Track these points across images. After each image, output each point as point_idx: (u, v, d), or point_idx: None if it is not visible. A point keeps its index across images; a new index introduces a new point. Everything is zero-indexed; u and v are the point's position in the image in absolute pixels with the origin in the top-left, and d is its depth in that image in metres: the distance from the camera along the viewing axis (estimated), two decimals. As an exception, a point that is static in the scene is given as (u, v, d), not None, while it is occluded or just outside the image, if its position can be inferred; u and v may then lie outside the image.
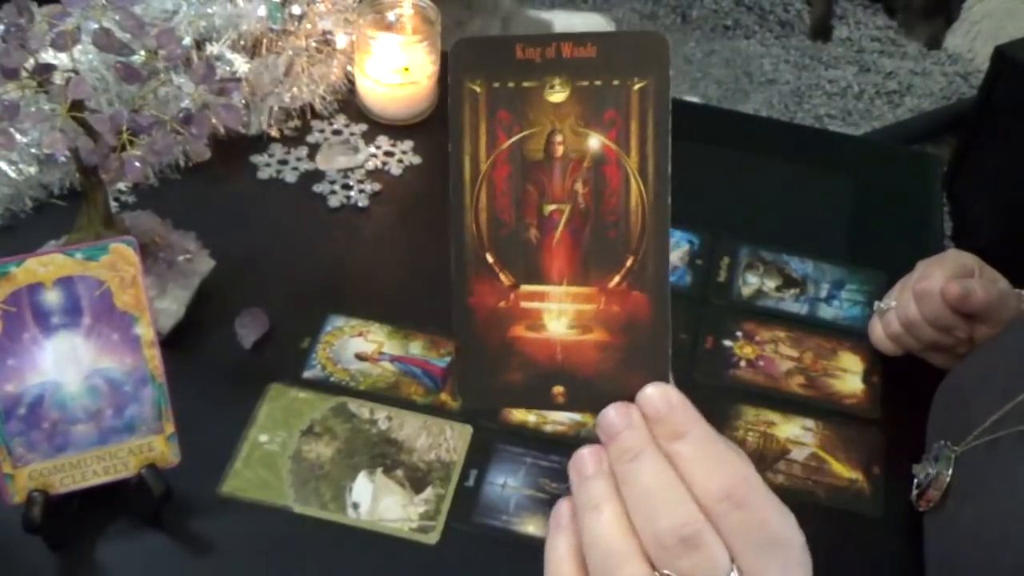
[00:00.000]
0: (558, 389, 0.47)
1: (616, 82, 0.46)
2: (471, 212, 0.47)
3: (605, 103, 0.46)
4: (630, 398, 0.46)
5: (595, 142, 0.46)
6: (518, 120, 0.47)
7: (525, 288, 0.47)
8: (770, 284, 1.02)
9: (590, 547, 0.45)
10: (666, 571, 0.43)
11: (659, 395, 0.45)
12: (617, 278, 0.46)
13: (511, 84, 0.47)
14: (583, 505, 0.45)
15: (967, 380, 0.82)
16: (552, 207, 0.47)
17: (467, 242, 0.48)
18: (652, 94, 0.46)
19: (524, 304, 0.47)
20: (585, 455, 0.46)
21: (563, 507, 0.47)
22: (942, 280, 0.85)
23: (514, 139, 0.47)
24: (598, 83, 0.46)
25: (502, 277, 0.48)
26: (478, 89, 0.47)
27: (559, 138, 0.47)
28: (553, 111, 0.46)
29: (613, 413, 0.45)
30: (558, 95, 0.46)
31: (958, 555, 0.73)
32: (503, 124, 0.47)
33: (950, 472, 0.76)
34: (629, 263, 0.46)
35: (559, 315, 0.47)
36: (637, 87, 0.46)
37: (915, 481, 0.81)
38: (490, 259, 0.48)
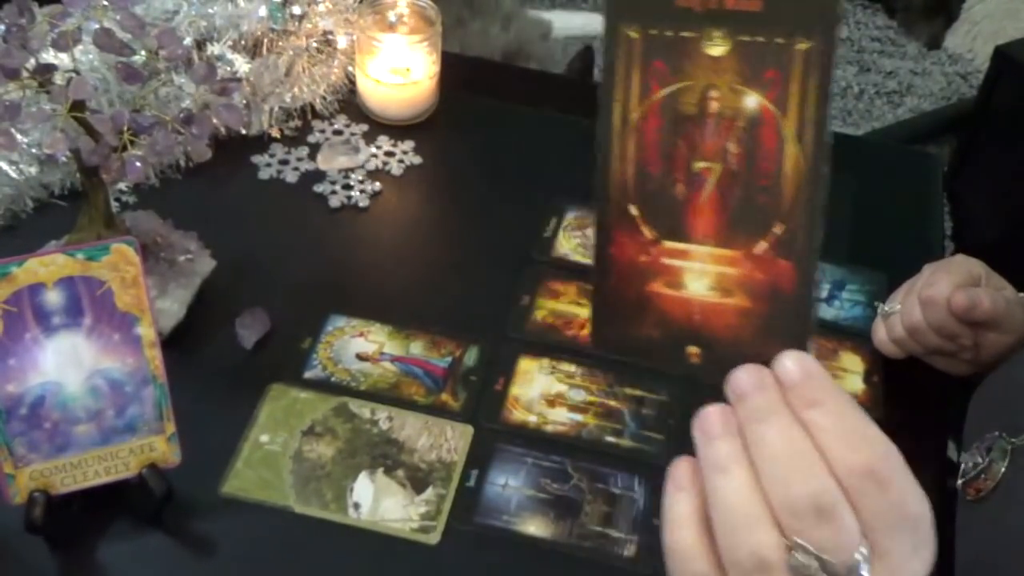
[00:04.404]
0: (693, 349, 0.46)
1: (780, 40, 0.43)
2: (618, 161, 0.46)
3: (766, 61, 0.44)
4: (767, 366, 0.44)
5: (752, 101, 0.44)
6: (673, 71, 0.44)
7: (667, 244, 0.46)
8: (771, 284, 1.02)
9: (717, 510, 0.43)
10: (796, 539, 0.41)
11: (795, 362, 0.43)
12: (764, 244, 0.45)
13: (669, 33, 0.44)
14: (711, 466, 0.43)
15: (1021, 376, 0.81)
16: (702, 164, 0.45)
17: (611, 192, 0.46)
18: (817, 56, 0.43)
19: (665, 260, 0.46)
20: (712, 413, 0.44)
21: (683, 467, 0.45)
22: (948, 288, 0.84)
23: (668, 90, 0.45)
24: (761, 39, 0.43)
25: (644, 230, 0.46)
26: (634, 35, 0.45)
27: (715, 94, 0.44)
28: (711, 65, 0.44)
29: (743, 374, 0.43)
30: (718, 48, 0.44)
31: (997, 554, 0.71)
32: (658, 74, 0.45)
33: (1005, 463, 0.74)
34: (778, 230, 0.45)
35: (700, 275, 0.46)
36: (802, 47, 0.43)
37: (961, 468, 0.79)
38: (634, 211, 0.46)
